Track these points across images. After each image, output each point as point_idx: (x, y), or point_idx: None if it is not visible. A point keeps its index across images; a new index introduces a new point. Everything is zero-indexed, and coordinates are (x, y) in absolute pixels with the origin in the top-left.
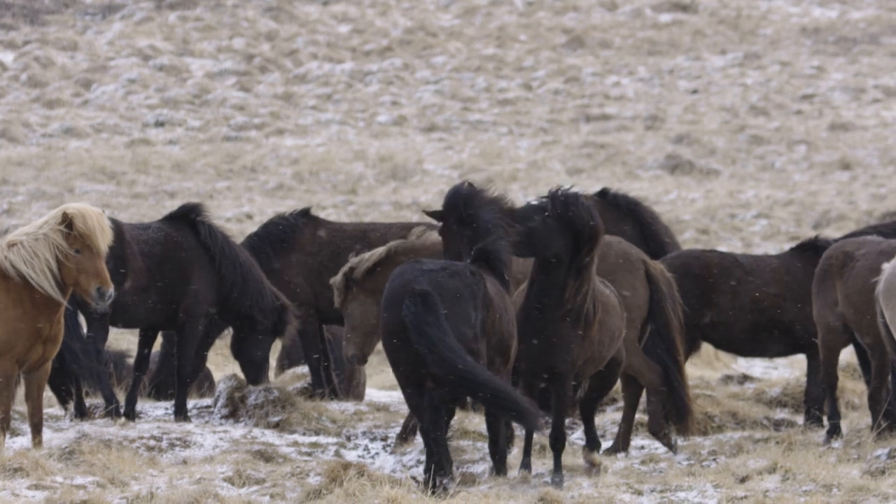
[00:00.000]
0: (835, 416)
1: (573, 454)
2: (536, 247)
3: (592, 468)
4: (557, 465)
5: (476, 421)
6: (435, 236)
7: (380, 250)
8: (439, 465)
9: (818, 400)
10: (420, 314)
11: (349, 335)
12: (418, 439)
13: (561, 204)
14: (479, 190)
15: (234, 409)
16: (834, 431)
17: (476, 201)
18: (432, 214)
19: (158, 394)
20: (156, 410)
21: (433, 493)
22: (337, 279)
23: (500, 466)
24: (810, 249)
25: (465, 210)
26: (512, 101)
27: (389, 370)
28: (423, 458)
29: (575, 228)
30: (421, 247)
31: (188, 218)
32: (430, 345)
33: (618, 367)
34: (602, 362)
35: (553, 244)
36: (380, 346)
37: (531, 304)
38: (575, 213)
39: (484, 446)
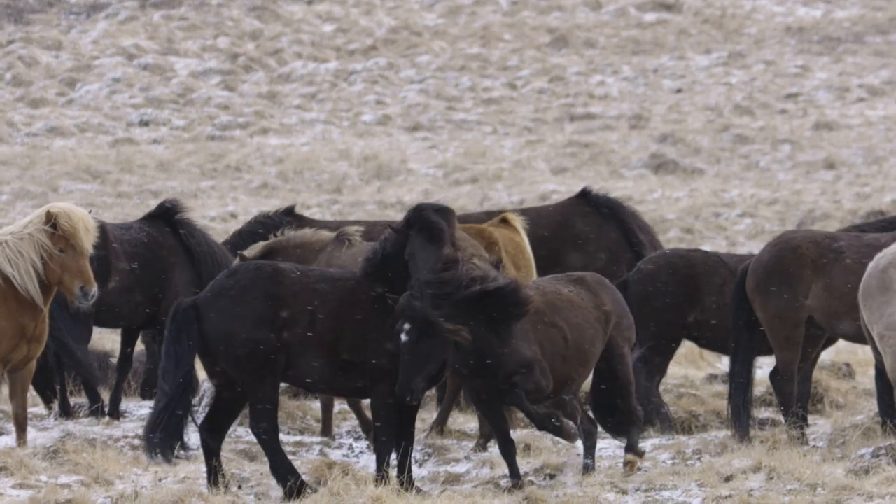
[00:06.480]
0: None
1: (558, 453)
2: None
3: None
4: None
5: (460, 420)
6: (326, 234)
7: (270, 241)
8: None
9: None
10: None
11: None
12: None
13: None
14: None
15: None
16: (746, 428)
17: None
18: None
19: (144, 393)
20: (140, 409)
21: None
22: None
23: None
24: None
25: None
26: (496, 101)
27: None
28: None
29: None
30: (312, 241)
31: (167, 217)
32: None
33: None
34: (571, 379)
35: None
36: None
37: None
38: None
39: (468, 445)
